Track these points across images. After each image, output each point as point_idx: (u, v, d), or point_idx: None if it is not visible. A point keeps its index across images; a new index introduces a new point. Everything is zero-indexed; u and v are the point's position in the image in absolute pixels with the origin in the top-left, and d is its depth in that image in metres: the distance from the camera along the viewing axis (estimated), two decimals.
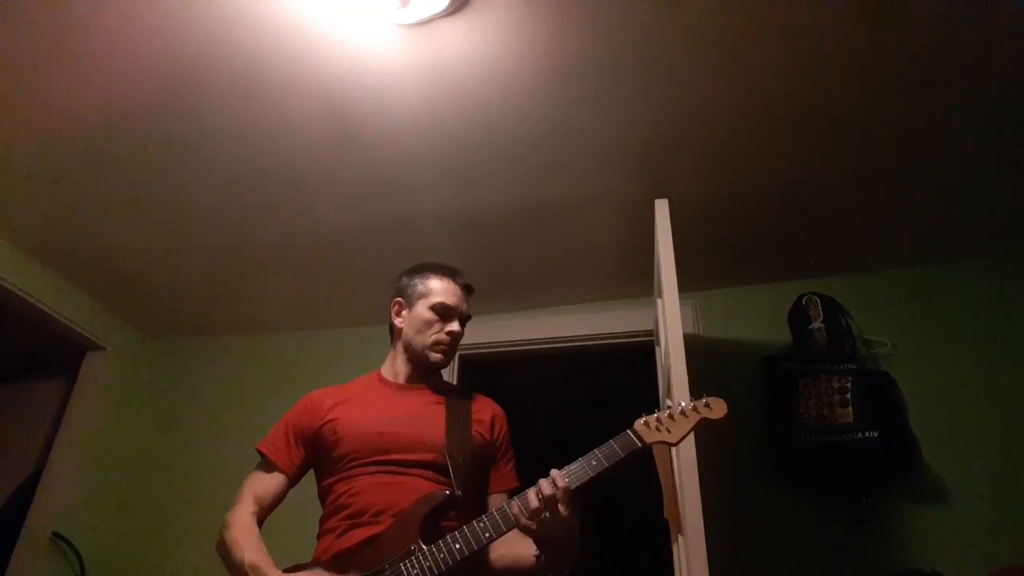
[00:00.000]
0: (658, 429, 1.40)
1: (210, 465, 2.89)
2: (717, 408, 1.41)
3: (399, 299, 1.71)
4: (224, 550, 1.44)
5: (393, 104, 1.95)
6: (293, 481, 1.60)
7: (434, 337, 1.64)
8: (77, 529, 2.73)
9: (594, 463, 1.35)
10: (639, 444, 1.38)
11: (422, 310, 1.65)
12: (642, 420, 1.42)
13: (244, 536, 1.43)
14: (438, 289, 1.67)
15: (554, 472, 1.34)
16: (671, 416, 1.41)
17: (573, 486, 1.32)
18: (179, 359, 3.23)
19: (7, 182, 2.31)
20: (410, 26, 1.71)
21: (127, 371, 3.11)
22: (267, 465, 1.59)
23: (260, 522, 1.52)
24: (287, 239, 2.55)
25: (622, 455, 1.36)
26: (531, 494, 1.33)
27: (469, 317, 1.71)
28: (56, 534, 2.68)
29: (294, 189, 2.31)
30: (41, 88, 1.94)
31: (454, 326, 1.65)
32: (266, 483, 1.56)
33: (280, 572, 1.34)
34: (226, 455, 2.89)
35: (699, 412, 1.41)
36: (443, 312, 1.65)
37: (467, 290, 1.71)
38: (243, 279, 2.82)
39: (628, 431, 1.40)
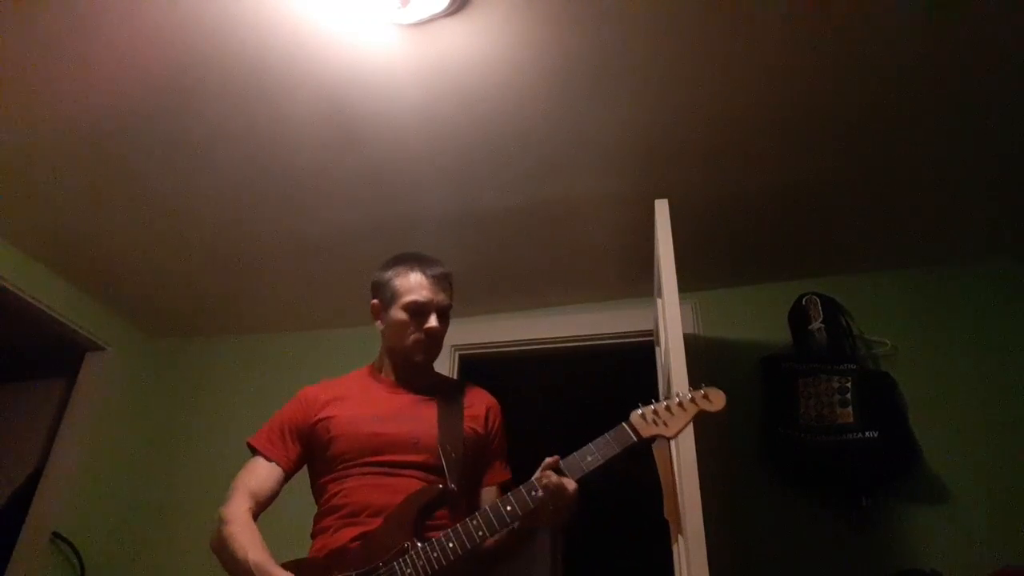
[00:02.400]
0: (655, 422, 1.37)
1: (210, 465, 2.89)
2: (716, 400, 1.38)
3: (375, 301, 1.67)
4: (221, 546, 1.42)
5: (393, 104, 1.95)
6: (288, 476, 1.59)
7: (412, 338, 1.59)
8: (77, 529, 2.72)
9: (589, 458, 1.34)
10: (634, 438, 1.36)
11: (396, 312, 1.60)
12: (639, 412, 1.39)
13: (243, 533, 1.40)
14: (408, 287, 1.60)
15: (548, 474, 1.32)
16: (668, 408, 1.38)
17: (570, 488, 1.31)
18: (179, 359, 3.23)
19: (7, 182, 2.31)
20: (410, 26, 1.71)
21: (127, 371, 3.11)
22: (262, 460, 1.57)
23: (255, 517, 1.50)
24: (287, 239, 2.55)
25: (617, 450, 1.34)
26: (525, 495, 1.33)
27: (448, 307, 1.64)
28: (56, 534, 2.67)
29: (294, 189, 2.31)
30: (42, 89, 1.94)
31: (431, 323, 1.59)
32: (261, 478, 1.54)
33: (284, 571, 1.33)
34: (226, 455, 2.86)
35: (697, 404, 1.38)
36: (416, 311, 1.59)
37: (440, 279, 1.63)
38: (243, 279, 2.82)
39: (623, 424, 1.38)
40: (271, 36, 1.76)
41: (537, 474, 1.34)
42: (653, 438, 1.38)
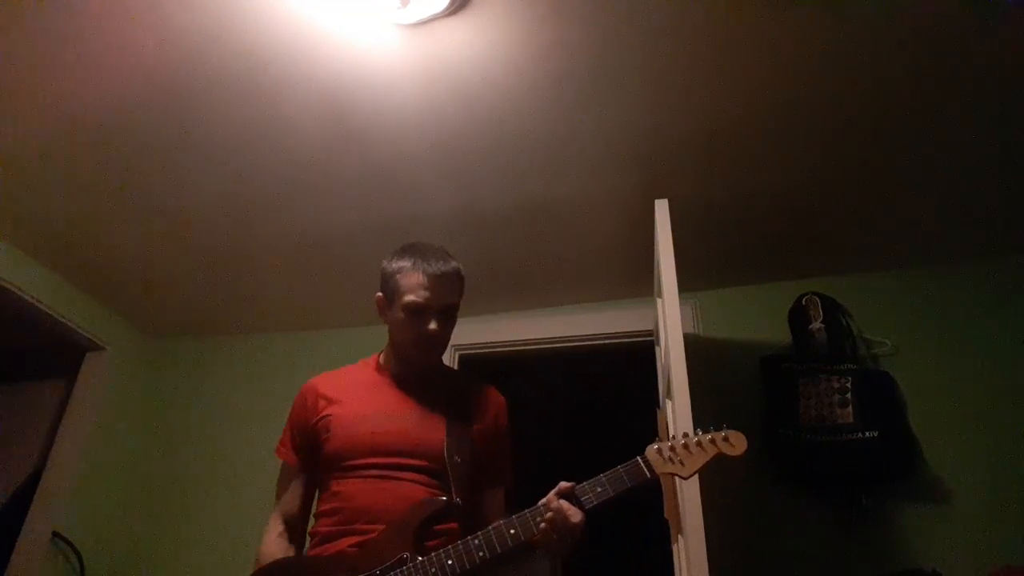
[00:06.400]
0: (671, 460, 1.32)
1: (210, 465, 2.89)
2: (737, 444, 1.33)
3: (379, 295, 1.61)
4: None
5: (393, 104, 1.95)
6: (311, 474, 1.59)
7: (412, 339, 1.54)
8: (77, 529, 2.73)
9: (599, 490, 1.31)
10: (648, 475, 1.32)
11: (398, 311, 1.53)
12: (655, 447, 1.34)
13: (269, 568, 1.45)
14: (409, 286, 1.52)
15: (552, 499, 1.29)
16: (686, 446, 1.33)
17: (575, 519, 1.28)
18: (179, 359, 3.23)
19: (7, 182, 2.31)
20: (410, 26, 1.71)
21: (127, 371, 3.11)
22: (285, 469, 1.60)
23: (298, 530, 1.56)
24: (287, 239, 2.55)
25: (629, 485, 1.31)
26: (530, 520, 1.31)
27: (452, 306, 1.55)
28: (56, 534, 2.68)
29: (294, 189, 2.31)
30: (41, 88, 1.94)
31: (431, 326, 1.51)
32: (288, 490, 1.58)
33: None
34: (226, 455, 2.89)
35: (717, 446, 1.33)
36: (416, 312, 1.51)
37: (444, 278, 1.53)
38: (243, 279, 2.82)
39: (639, 458, 1.34)
40: (271, 36, 1.76)
41: (546, 499, 1.31)
42: (667, 476, 1.34)
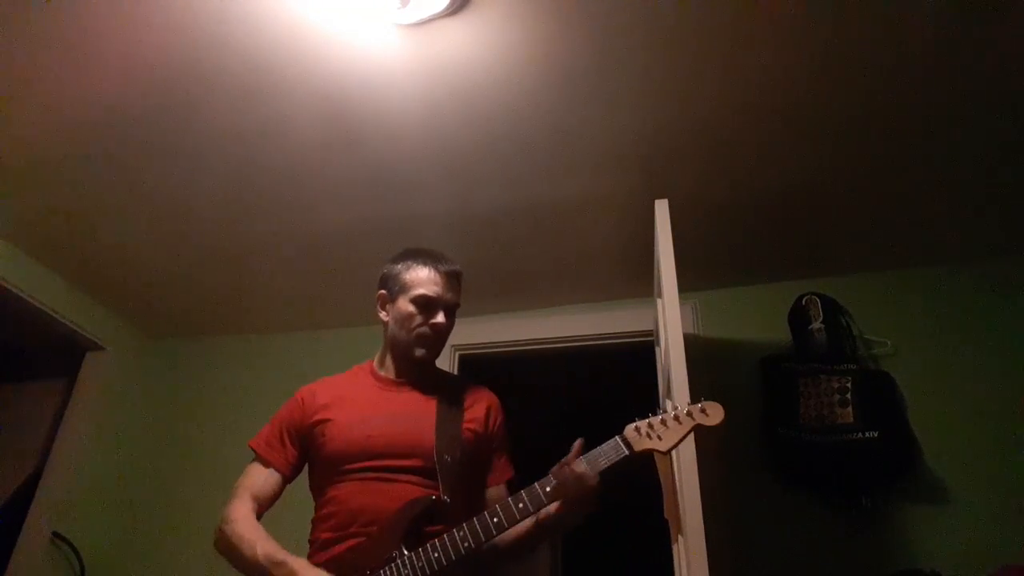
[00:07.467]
0: (649, 436, 1.34)
1: (210, 465, 2.89)
2: (714, 414, 1.34)
3: (382, 291, 1.65)
4: (227, 547, 1.43)
5: (393, 104, 1.95)
6: (288, 479, 1.59)
7: (417, 331, 1.57)
8: (77, 529, 2.73)
9: (579, 470, 1.34)
10: (626, 452, 1.34)
11: (404, 303, 1.59)
12: (633, 425, 1.36)
13: (249, 530, 1.42)
14: (419, 280, 1.59)
15: (577, 463, 1.34)
16: (664, 422, 1.35)
17: (591, 482, 1.32)
18: (179, 359, 3.23)
19: (7, 181, 2.31)
20: (410, 26, 1.71)
21: (127, 371, 3.11)
22: (262, 463, 1.57)
23: (258, 518, 1.51)
24: (287, 239, 2.55)
25: (607, 464, 1.33)
26: (512, 507, 1.35)
27: (456, 305, 1.63)
28: (56, 534, 2.68)
29: (294, 189, 2.31)
30: (41, 88, 1.94)
31: (438, 319, 1.57)
32: (261, 481, 1.55)
33: (294, 557, 1.34)
34: (226, 455, 2.88)
35: (694, 418, 1.35)
36: (425, 304, 1.57)
37: (452, 277, 1.62)
38: (243, 279, 2.82)
39: (617, 437, 1.36)
40: (271, 36, 1.76)
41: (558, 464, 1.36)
42: (646, 452, 1.36)
